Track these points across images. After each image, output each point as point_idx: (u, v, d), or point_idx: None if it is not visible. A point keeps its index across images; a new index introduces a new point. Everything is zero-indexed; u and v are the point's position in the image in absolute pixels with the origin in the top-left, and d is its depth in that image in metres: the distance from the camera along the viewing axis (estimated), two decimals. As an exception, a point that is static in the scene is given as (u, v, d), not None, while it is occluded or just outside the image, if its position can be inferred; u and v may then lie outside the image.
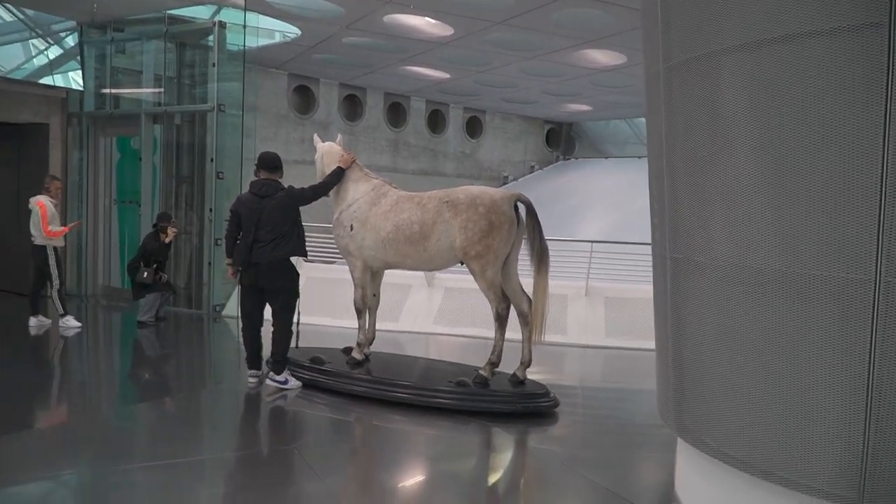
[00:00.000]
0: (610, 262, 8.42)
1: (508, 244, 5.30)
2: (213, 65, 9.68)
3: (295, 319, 5.99)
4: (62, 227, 8.47)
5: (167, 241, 8.92)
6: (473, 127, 19.00)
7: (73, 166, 11.08)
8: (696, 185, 3.15)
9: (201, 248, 10.82)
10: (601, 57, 11.96)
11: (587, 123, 20.75)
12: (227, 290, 9.93)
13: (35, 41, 11.14)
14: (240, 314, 5.89)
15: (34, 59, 11.36)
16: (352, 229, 5.73)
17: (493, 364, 5.41)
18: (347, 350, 6.16)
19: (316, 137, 6.40)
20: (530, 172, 19.97)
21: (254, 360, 5.89)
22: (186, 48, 10.63)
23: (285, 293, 5.77)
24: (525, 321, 5.41)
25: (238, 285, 6.08)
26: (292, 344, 6.03)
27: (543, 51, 11.65)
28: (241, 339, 6.02)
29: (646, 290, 8.02)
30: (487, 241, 5.18)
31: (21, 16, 10.59)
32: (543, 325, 5.33)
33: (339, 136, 6.36)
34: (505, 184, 18.79)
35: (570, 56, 11.86)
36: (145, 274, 8.69)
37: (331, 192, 5.95)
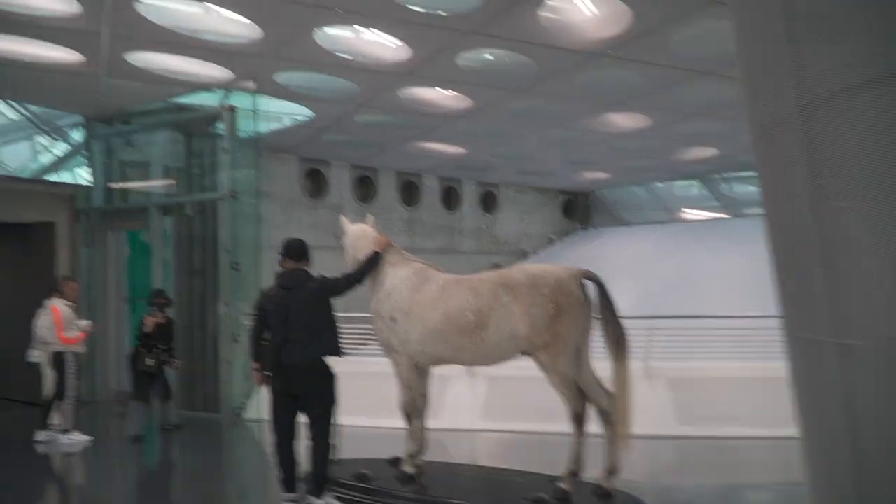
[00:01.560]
0: (666, 338, 7.64)
1: (579, 329, 4.59)
2: (225, 150, 9.23)
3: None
4: (78, 334, 7.76)
5: (147, 330, 8.02)
6: (488, 201, 18.56)
7: (82, 265, 10.52)
8: (874, 250, 2.47)
9: (216, 346, 10.14)
10: (624, 121, 11.55)
11: (602, 191, 20.32)
12: (246, 390, 9.16)
13: (41, 138, 10.80)
14: (271, 427, 5.11)
15: (40, 157, 11.00)
16: (394, 321, 5.03)
17: (574, 474, 4.59)
18: (395, 461, 5.36)
19: (344, 220, 5.80)
20: (549, 245, 19.38)
21: (290, 481, 5.05)
22: (194, 137, 10.27)
23: (322, 400, 5.01)
24: (607, 419, 4.63)
25: (262, 389, 5.32)
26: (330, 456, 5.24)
27: (565, 118, 11.25)
28: (270, 452, 5.22)
29: (716, 367, 7.34)
30: (556, 327, 4.47)
31: (27, 113, 10.26)
32: (629, 422, 4.55)
33: (371, 218, 5.76)
34: (525, 258, 18.18)
35: (593, 121, 11.45)
36: (149, 361, 7.88)
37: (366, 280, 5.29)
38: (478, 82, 9.38)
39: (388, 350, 5.20)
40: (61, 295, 7.76)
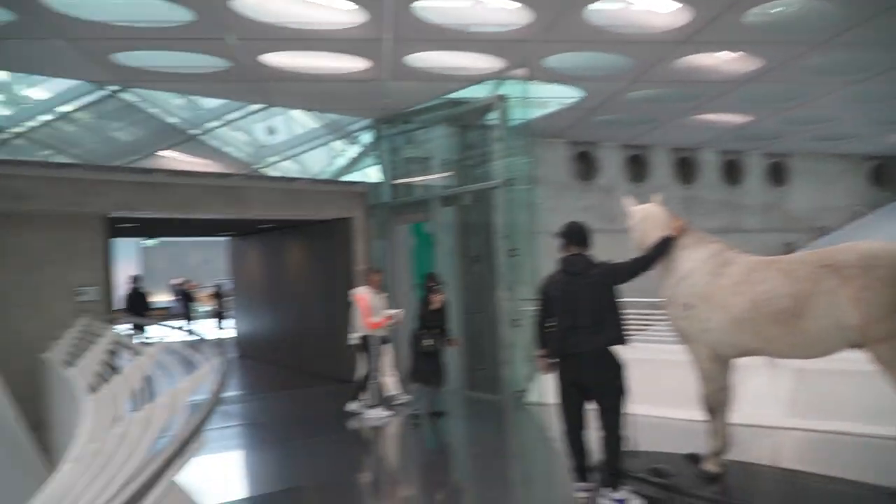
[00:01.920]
0: None
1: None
2: (498, 140, 9.37)
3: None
4: (382, 318, 8.47)
5: (433, 308, 8.27)
6: (778, 173, 16.74)
7: (375, 255, 11.48)
8: None
9: (495, 329, 10.40)
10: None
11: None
12: (527, 373, 9.26)
13: (336, 143, 11.97)
14: (559, 415, 5.01)
15: (336, 160, 12.20)
16: (690, 308, 4.61)
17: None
18: (693, 457, 4.96)
19: (628, 200, 5.47)
20: (856, 218, 16.92)
21: (582, 471, 4.92)
22: (468, 130, 10.61)
23: (613, 391, 4.78)
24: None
25: (546, 376, 5.21)
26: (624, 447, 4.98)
27: (873, 70, 9.62)
28: (554, 438, 5.11)
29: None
30: (898, 315, 3.73)
31: (325, 121, 11.42)
32: None
33: (658, 197, 5.36)
34: (823, 235, 16.08)
35: (912, 71, 9.65)
36: (430, 342, 8.10)
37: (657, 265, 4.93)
38: (767, 40, 8.37)
39: (685, 339, 4.80)
40: (367, 284, 8.50)
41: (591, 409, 4.88)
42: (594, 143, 14.62)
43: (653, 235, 4.97)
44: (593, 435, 4.87)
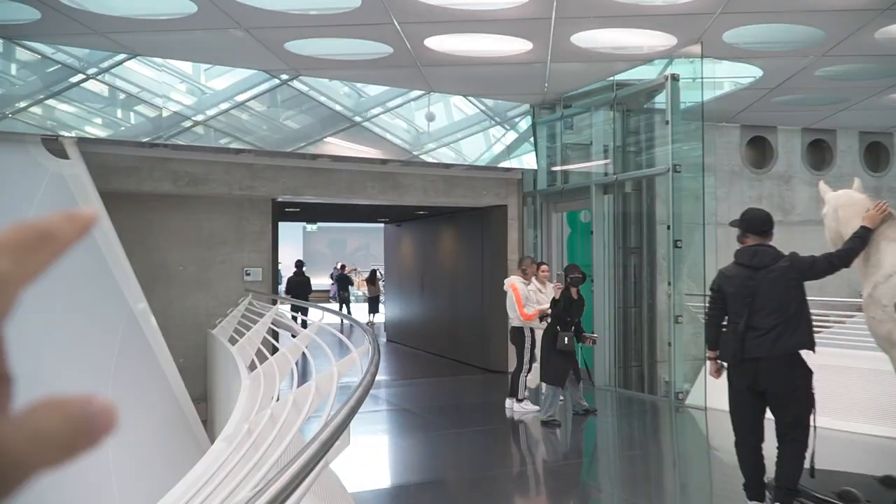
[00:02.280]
0: None
1: None
2: (667, 123, 8.76)
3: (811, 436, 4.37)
4: (535, 310, 8.14)
5: (573, 302, 7.48)
6: None
7: (528, 244, 11.24)
8: None
9: (653, 325, 9.85)
10: None
11: None
12: (689, 374, 8.65)
13: (493, 129, 11.82)
14: (733, 424, 4.52)
15: (493, 146, 12.05)
16: (897, 311, 3.98)
17: None
18: (890, 481, 4.30)
19: (823, 185, 4.83)
20: None
21: (755, 487, 4.40)
22: (631, 114, 10.07)
23: (796, 401, 4.23)
24: None
25: (716, 380, 4.72)
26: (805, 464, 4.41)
27: None
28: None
29: None
30: None
31: (482, 107, 11.30)
32: None
33: (857, 181, 4.69)
34: None
35: None
36: (566, 339, 7.31)
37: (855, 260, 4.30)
38: None
39: (888, 345, 4.15)
40: (522, 274, 8.21)
41: (770, 418, 4.37)
42: (770, 128, 13.42)
43: (852, 225, 4.33)
44: (771, 447, 4.35)
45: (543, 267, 8.40)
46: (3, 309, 0.31)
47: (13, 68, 8.85)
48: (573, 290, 7.51)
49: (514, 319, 8.06)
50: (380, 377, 11.42)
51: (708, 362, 4.65)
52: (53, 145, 8.01)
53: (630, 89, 9.66)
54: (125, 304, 7.57)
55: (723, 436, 7.16)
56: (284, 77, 9.56)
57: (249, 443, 3.04)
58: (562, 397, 8.52)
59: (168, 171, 9.34)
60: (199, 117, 9.46)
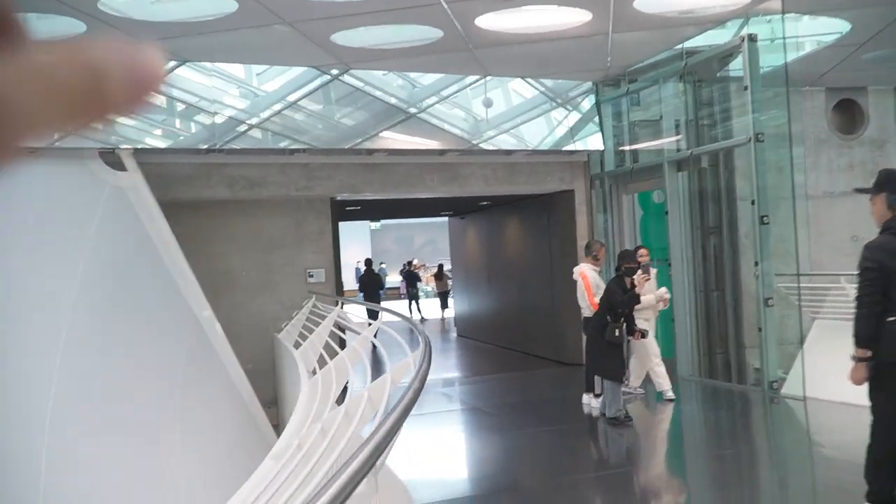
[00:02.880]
0: None
1: None
2: (745, 89, 8.06)
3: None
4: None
5: (638, 289, 6.90)
6: None
7: (598, 229, 10.68)
8: None
9: (738, 309, 9.16)
10: None
11: None
12: (784, 362, 7.95)
13: (554, 111, 11.28)
14: (877, 431, 3.80)
15: (555, 129, 11.51)
16: None
17: None
18: None
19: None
20: None
21: (885, 501, 3.77)
22: (704, 83, 9.37)
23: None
24: None
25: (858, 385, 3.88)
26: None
27: None
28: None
29: None
30: None
31: (542, 88, 10.79)
32: None
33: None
34: None
35: None
36: (616, 331, 6.77)
37: None
38: None
39: None
40: (593, 260, 7.67)
41: None
42: (860, 89, 12.37)
43: None
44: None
45: (642, 251, 7.77)
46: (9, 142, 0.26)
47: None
48: (627, 280, 6.91)
49: (586, 309, 7.54)
50: (451, 375, 11.12)
51: (856, 364, 3.78)
52: (111, 158, 7.97)
53: (701, 56, 8.96)
54: (190, 313, 7.48)
55: (826, 429, 6.52)
56: (335, 72, 9.32)
57: (298, 458, 2.85)
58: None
59: (224, 176, 9.24)
60: (254, 120, 9.32)
